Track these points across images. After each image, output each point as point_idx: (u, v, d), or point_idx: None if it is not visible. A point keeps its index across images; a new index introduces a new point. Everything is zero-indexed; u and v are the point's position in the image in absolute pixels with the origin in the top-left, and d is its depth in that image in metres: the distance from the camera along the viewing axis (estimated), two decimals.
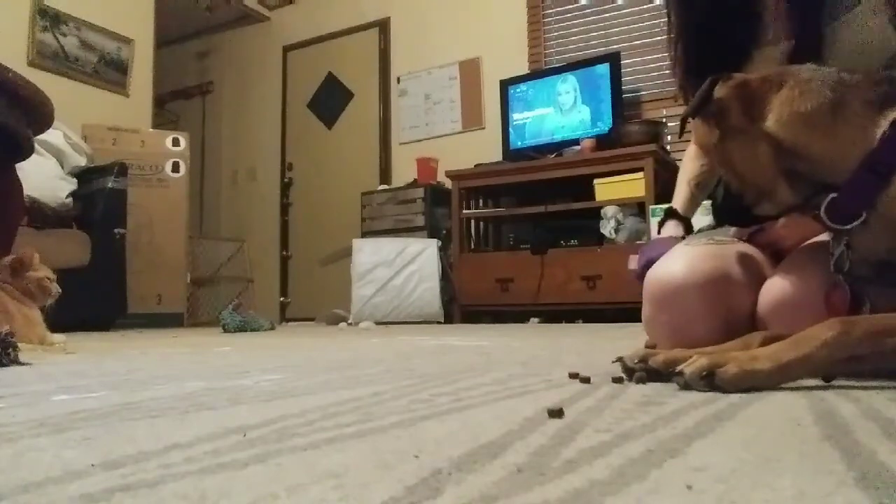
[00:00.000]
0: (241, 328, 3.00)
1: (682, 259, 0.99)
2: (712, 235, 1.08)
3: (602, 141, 3.62)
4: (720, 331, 0.92)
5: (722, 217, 1.02)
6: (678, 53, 1.10)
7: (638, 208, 3.35)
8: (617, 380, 0.77)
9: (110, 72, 4.44)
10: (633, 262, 1.36)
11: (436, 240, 3.98)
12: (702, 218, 1.41)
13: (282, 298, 5.34)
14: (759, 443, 0.45)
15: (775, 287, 0.86)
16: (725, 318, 0.92)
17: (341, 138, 5.26)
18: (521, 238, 3.86)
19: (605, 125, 3.73)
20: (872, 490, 0.32)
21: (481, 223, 4.22)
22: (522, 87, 4.09)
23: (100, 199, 3.58)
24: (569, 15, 4.39)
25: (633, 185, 3.32)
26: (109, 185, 3.59)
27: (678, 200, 1.21)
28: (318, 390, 0.77)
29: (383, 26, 5.08)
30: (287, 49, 5.57)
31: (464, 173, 3.99)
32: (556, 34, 4.43)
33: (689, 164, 1.23)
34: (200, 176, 5.81)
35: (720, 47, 1.02)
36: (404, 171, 4.72)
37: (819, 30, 0.94)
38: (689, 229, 1.16)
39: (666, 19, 1.14)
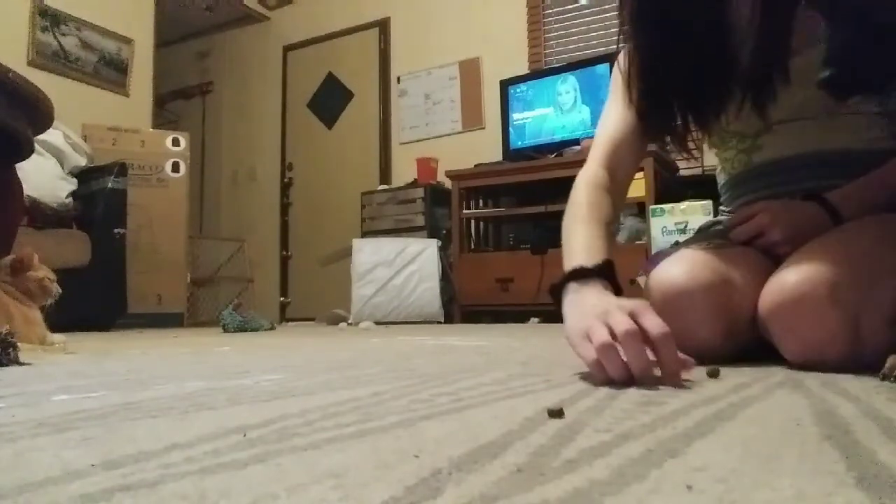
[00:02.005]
0: (241, 328, 3.00)
1: (684, 263, 0.98)
2: (712, 239, 1.08)
3: None
4: (722, 334, 0.92)
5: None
6: (639, 97, 1.05)
7: (638, 208, 3.35)
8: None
9: (110, 72, 4.45)
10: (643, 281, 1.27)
11: (436, 240, 3.98)
12: (702, 218, 1.39)
13: (282, 298, 5.34)
14: (759, 443, 0.44)
15: (775, 288, 0.86)
16: (727, 320, 0.92)
17: (341, 138, 5.26)
18: (521, 238, 3.86)
19: None
20: (872, 490, 0.32)
21: (481, 223, 4.22)
22: (522, 87, 4.09)
23: (100, 199, 3.58)
24: (569, 15, 4.39)
25: (633, 186, 3.30)
26: (109, 185, 3.60)
27: (594, 254, 0.86)
28: (318, 390, 0.77)
29: (383, 26, 5.08)
30: (287, 49, 5.57)
31: (464, 173, 3.99)
32: (556, 34, 4.43)
33: (588, 228, 0.96)
34: (200, 176, 5.82)
35: (694, 88, 1.02)
36: (404, 171, 4.73)
37: (782, 73, 0.93)
38: (618, 292, 0.82)
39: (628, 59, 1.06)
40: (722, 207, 1.24)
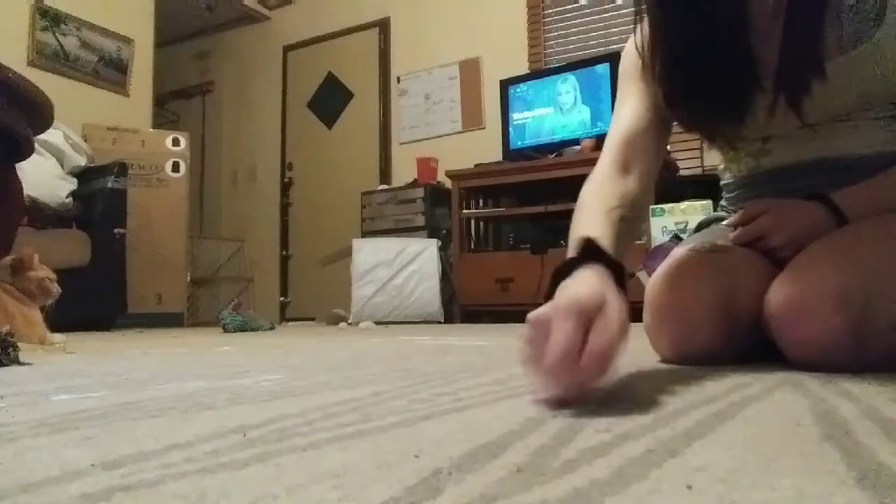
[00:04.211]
0: (241, 328, 3.00)
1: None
2: (713, 240, 1.07)
3: (602, 141, 3.60)
4: (724, 337, 0.91)
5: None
6: (668, 95, 1.00)
7: None
8: None
9: (110, 72, 4.45)
10: (645, 278, 1.23)
11: (436, 240, 3.98)
12: (702, 218, 1.37)
13: (282, 298, 5.34)
14: (759, 443, 0.44)
15: (780, 291, 0.85)
16: (729, 324, 0.91)
17: (341, 138, 5.26)
18: (521, 238, 3.86)
19: (605, 125, 3.73)
20: (872, 490, 0.32)
21: (481, 223, 4.22)
22: (522, 87, 4.09)
23: (100, 198, 3.59)
24: (569, 15, 4.39)
25: None
26: (109, 185, 3.60)
27: (602, 233, 0.78)
28: (318, 390, 0.77)
29: (383, 26, 5.08)
30: (287, 49, 5.57)
31: (464, 173, 3.99)
32: (556, 34, 4.43)
33: (585, 219, 0.84)
34: (200, 176, 5.82)
35: (718, 96, 0.99)
36: (404, 171, 4.73)
37: (817, 70, 0.91)
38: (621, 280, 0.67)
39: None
40: (723, 203, 1.23)
